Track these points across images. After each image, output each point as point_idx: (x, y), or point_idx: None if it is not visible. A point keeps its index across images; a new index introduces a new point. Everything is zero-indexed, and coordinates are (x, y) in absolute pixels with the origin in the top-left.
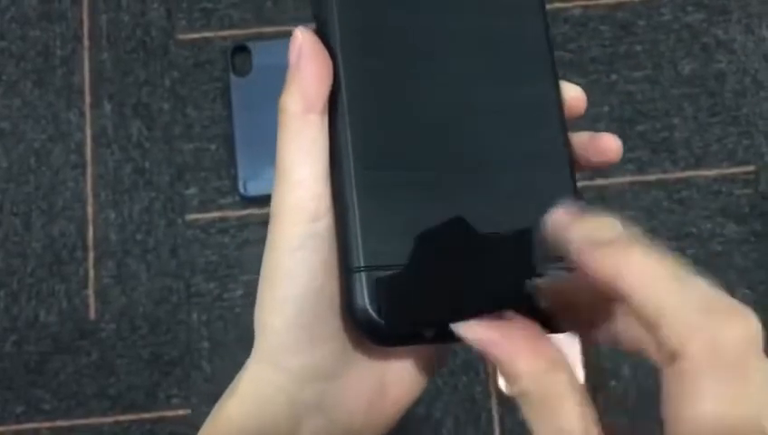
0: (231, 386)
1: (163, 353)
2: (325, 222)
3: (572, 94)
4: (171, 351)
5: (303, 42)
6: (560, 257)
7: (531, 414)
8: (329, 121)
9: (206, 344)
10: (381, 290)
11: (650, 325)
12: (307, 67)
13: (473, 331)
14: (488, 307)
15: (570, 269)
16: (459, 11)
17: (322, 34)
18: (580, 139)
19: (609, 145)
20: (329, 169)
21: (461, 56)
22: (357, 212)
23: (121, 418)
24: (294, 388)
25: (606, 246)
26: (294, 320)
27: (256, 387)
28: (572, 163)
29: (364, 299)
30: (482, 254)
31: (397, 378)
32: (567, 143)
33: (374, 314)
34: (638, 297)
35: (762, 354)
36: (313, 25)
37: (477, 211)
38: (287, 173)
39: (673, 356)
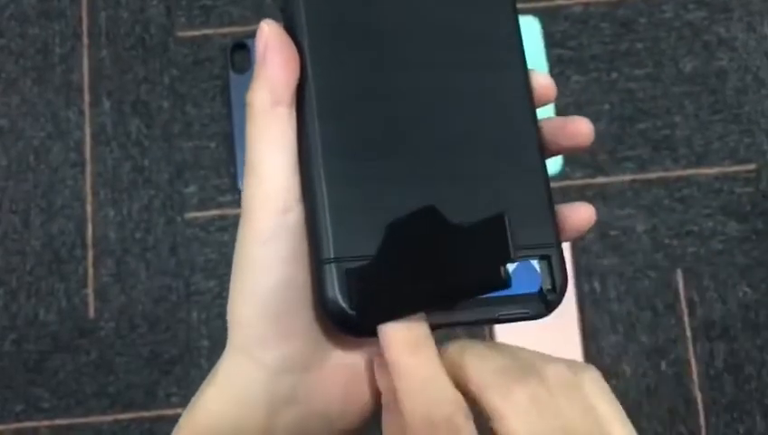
0: (209, 376)
1: (162, 352)
2: (295, 214)
3: (542, 82)
4: (171, 349)
5: (270, 35)
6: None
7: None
8: (297, 114)
9: (205, 343)
10: (351, 281)
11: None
12: (273, 60)
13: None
14: (458, 296)
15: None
16: (427, 1)
17: (290, 28)
18: (551, 124)
19: (579, 129)
20: (298, 161)
21: (429, 46)
22: (326, 203)
23: (121, 416)
24: (269, 379)
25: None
26: (265, 311)
27: (233, 378)
28: (542, 149)
29: (335, 290)
30: (452, 242)
31: (370, 366)
32: (536, 130)
33: (345, 305)
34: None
35: (557, 397)
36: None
37: (448, 199)
38: (256, 167)
39: (493, 417)
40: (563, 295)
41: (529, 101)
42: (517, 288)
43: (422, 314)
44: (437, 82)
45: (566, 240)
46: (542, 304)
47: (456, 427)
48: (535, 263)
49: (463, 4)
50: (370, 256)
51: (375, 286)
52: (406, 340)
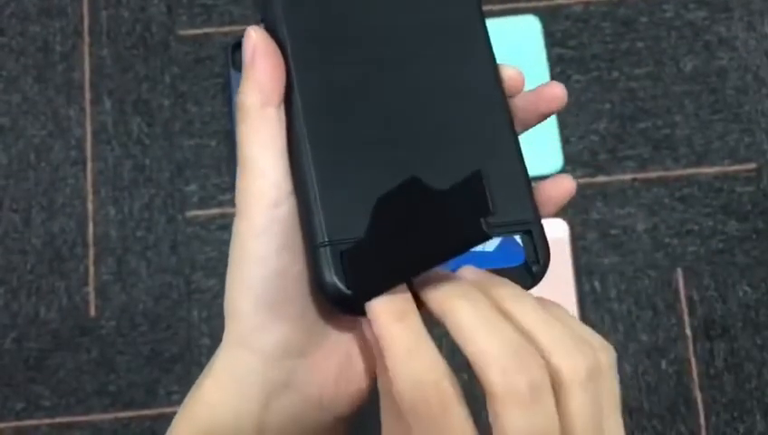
0: (206, 369)
1: (163, 350)
2: (286, 207)
3: (509, 74)
4: (171, 347)
5: (257, 40)
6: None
7: (413, 421)
8: (285, 112)
9: (206, 341)
10: (346, 261)
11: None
12: (262, 64)
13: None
14: (444, 256)
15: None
16: (399, 4)
17: (271, 32)
18: (529, 97)
19: (555, 92)
20: (287, 157)
21: (402, 44)
22: (317, 191)
23: (121, 415)
24: (265, 367)
25: (441, 293)
26: (261, 301)
27: (230, 369)
28: (513, 127)
29: (331, 272)
30: (434, 207)
31: (363, 350)
32: (509, 114)
33: (341, 286)
34: (458, 340)
35: (562, 388)
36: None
37: (430, 182)
38: (249, 164)
39: (486, 392)
40: (547, 268)
41: (499, 89)
42: (503, 262)
43: (404, 287)
44: (412, 75)
45: (552, 212)
46: (528, 275)
47: (444, 391)
48: (518, 238)
49: (433, 6)
50: (361, 235)
51: (368, 263)
52: (389, 310)
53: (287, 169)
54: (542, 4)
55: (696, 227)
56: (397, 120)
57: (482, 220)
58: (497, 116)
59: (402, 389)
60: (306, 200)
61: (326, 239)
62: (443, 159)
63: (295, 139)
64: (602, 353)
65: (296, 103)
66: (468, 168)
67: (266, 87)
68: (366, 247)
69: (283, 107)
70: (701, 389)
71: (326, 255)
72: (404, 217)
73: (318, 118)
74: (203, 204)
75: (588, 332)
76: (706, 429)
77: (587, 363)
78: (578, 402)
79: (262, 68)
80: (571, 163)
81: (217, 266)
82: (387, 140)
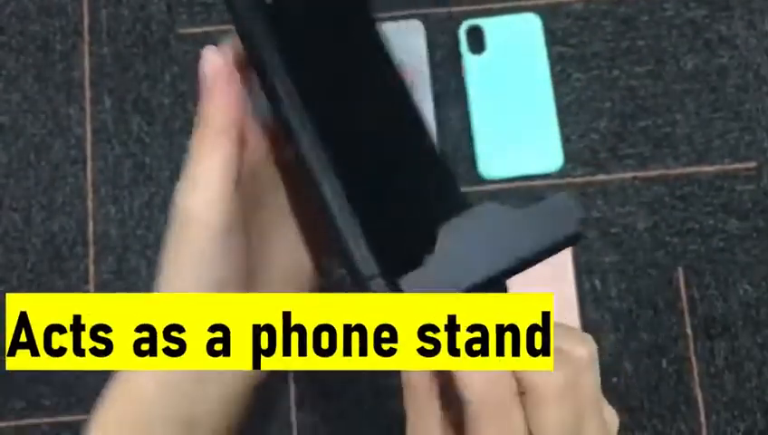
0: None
1: None
2: (229, 237)
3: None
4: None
5: (222, 66)
6: None
7: (482, 418)
8: (297, 160)
9: None
10: (404, 286)
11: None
12: (222, 93)
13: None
14: (539, 259)
15: None
16: (359, 56)
17: (257, 65)
18: None
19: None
20: (235, 186)
21: (366, 90)
22: (353, 225)
23: None
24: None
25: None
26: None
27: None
28: (440, 156)
29: None
30: (526, 222)
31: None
32: (433, 146)
33: None
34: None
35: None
36: (223, 44)
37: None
38: (199, 189)
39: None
40: None
41: (420, 118)
42: None
43: None
44: (379, 117)
45: None
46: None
47: (512, 388)
48: None
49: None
50: (412, 259)
51: (433, 284)
52: None
53: (235, 198)
54: (542, 2)
55: (697, 226)
56: (380, 152)
57: (577, 225)
58: (429, 147)
59: (472, 384)
60: (344, 238)
61: (377, 271)
62: (409, 187)
63: (317, 183)
64: (582, 348)
65: (313, 146)
66: (425, 188)
67: (225, 116)
68: (430, 269)
69: (238, 136)
70: (701, 388)
71: (380, 285)
72: (477, 235)
73: (335, 161)
74: None
75: (564, 331)
76: (707, 427)
77: (564, 375)
78: (552, 417)
79: (222, 97)
80: (572, 161)
81: None
82: (382, 170)
